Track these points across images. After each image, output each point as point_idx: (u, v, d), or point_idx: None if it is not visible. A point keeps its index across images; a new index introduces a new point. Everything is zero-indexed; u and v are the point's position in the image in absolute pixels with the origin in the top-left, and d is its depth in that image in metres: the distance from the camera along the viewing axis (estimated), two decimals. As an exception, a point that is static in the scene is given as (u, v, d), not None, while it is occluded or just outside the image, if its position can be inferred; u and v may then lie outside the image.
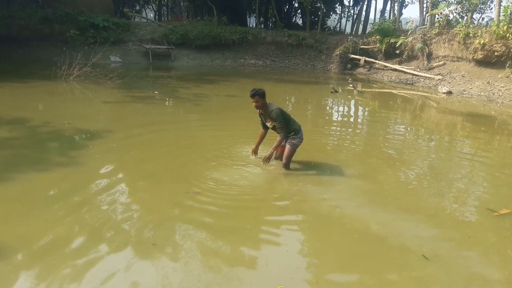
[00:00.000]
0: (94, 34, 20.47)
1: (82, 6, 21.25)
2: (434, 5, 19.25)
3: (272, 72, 20.27)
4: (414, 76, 18.02)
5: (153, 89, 13.58)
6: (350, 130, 8.82)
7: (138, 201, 4.31)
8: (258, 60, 23.30)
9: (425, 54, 18.42)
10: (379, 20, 24.77)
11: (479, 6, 18.85)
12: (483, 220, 4.21)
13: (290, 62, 23.42)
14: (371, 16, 31.79)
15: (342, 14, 33.12)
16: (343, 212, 4.21)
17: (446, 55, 17.78)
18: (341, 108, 12.05)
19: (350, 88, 14.62)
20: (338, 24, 33.19)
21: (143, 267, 3.09)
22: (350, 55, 21.93)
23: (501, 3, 16.03)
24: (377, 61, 20.93)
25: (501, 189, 5.29)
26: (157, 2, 34.31)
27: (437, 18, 18.81)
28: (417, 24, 21.47)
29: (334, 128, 8.86)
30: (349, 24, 33.30)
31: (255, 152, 5.53)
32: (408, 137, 8.28)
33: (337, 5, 32.01)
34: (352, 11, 33.12)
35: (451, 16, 18.41)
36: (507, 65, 14.54)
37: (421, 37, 18.72)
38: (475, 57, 16.00)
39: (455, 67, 17.13)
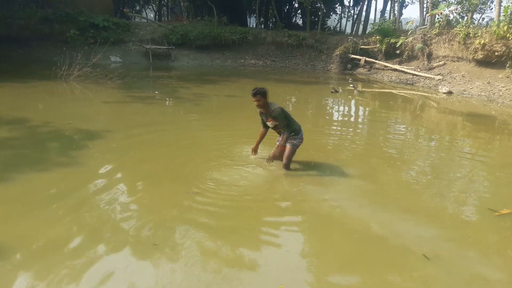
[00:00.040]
0: (94, 34, 20.48)
1: (82, 6, 21.26)
2: (434, 5, 19.26)
3: (272, 72, 20.27)
4: (414, 76, 18.02)
5: (153, 89, 13.57)
6: (350, 130, 8.80)
7: (138, 201, 4.30)
8: (258, 60, 23.30)
9: (425, 54, 18.42)
10: (379, 20, 24.77)
11: (479, 6, 18.86)
12: (484, 220, 4.20)
13: (290, 62, 23.42)
14: (371, 16, 31.90)
15: (342, 14, 33.13)
16: (344, 212, 4.21)
17: (446, 55, 17.78)
18: (341, 108, 12.04)
19: (350, 88, 14.62)
20: (338, 24, 33.20)
21: (142, 267, 3.08)
22: (350, 55, 21.93)
23: (501, 3, 16.03)
24: (377, 61, 20.93)
25: (502, 188, 5.28)
26: (157, 2, 34.34)
27: (437, 18, 18.81)
28: (417, 24, 21.48)
29: (335, 128, 8.84)
30: (349, 24, 33.31)
31: (255, 151, 5.52)
32: (408, 137, 8.27)
33: (337, 5, 32.04)
34: (352, 11, 33.15)
35: (451, 16, 18.42)
36: (507, 65, 14.53)
37: (421, 37, 18.73)
38: (475, 57, 16.00)
39: (455, 67, 17.13)
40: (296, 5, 31.35)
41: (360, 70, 21.42)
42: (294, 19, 32.95)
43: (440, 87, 15.60)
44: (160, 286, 2.85)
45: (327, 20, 31.91)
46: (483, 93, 14.24)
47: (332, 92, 13.62)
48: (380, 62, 20.73)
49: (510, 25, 14.32)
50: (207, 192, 4.48)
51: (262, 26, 30.28)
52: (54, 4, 20.67)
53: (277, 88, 14.54)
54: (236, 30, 23.49)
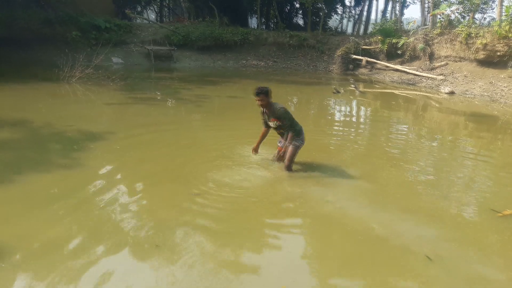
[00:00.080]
0: (96, 35, 20.50)
1: (83, 7, 21.28)
2: (436, 5, 19.23)
3: (274, 73, 20.27)
4: (416, 77, 17.98)
5: (155, 90, 13.57)
6: (352, 130, 8.79)
7: (139, 201, 4.30)
8: (260, 61, 23.29)
9: (427, 54, 18.38)
10: (381, 21, 24.78)
11: (481, 6, 18.82)
12: (486, 221, 4.18)
13: (292, 63, 23.41)
14: (373, 16, 31.78)
15: (344, 15, 33.09)
16: (345, 213, 4.20)
17: (448, 55, 17.74)
18: (343, 109, 12.03)
19: (352, 88, 14.61)
20: (340, 24, 33.16)
21: (142, 268, 3.08)
22: (352, 55, 21.90)
23: (503, 3, 15.98)
24: (379, 62, 20.90)
25: (505, 189, 5.27)
26: (158, 3, 34.36)
27: (439, 18, 18.78)
28: (419, 25, 21.45)
29: (336, 128, 8.84)
30: (351, 24, 33.31)
31: (255, 150, 5.48)
32: (410, 137, 8.26)
33: (338, 6, 31.99)
34: (353, 12, 33.10)
35: (453, 16, 18.39)
36: (510, 65, 14.51)
37: (423, 37, 18.69)
38: (477, 57, 15.96)
39: (457, 67, 17.09)
40: (298, 5, 31.30)
41: (362, 70, 21.39)
42: (295, 19, 32.91)
43: (442, 87, 15.56)
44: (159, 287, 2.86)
45: (329, 21, 31.88)
46: (485, 93, 14.21)
47: (334, 92, 13.61)
48: (381, 63, 20.70)
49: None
50: (208, 194, 4.48)
51: (264, 26, 30.27)
52: (55, 6, 20.66)
53: (279, 89, 14.53)
54: (238, 31, 23.49)
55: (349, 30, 32.79)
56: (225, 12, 25.49)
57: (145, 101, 10.95)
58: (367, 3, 29.36)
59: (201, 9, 30.00)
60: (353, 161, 6.13)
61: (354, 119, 10.57)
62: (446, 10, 18.17)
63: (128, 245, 3.37)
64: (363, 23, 29.37)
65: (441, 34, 18.05)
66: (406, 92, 15.55)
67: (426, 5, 20.93)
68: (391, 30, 21.04)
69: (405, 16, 32.21)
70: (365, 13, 29.72)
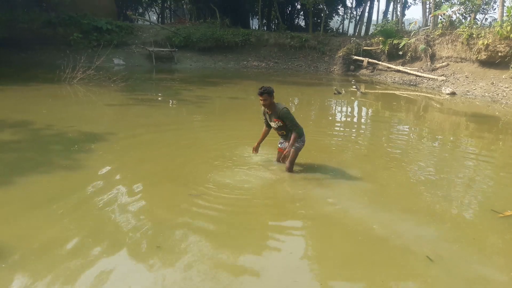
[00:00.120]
0: (98, 37, 20.56)
1: (85, 9, 21.34)
2: (437, 6, 19.23)
3: (275, 74, 20.29)
4: (417, 77, 17.97)
5: (156, 91, 13.61)
6: (353, 131, 8.80)
7: (139, 202, 4.29)
8: (261, 62, 23.31)
9: (428, 55, 18.37)
10: (382, 21, 24.79)
11: (482, 6, 18.83)
12: (487, 221, 4.17)
13: (293, 64, 23.43)
14: (374, 17, 31.80)
15: (345, 16, 33.17)
16: (346, 214, 4.19)
17: (449, 56, 17.73)
18: (344, 109, 12.02)
19: (353, 89, 14.61)
20: (341, 25, 33.20)
21: (140, 269, 3.07)
22: (353, 56, 21.91)
23: (505, 4, 15.98)
24: (380, 62, 20.90)
25: (506, 189, 5.25)
26: (160, 5, 34.43)
27: (440, 19, 18.78)
28: (420, 25, 21.44)
29: (338, 129, 8.84)
30: (352, 25, 33.35)
31: (256, 149, 5.47)
32: (411, 138, 8.25)
33: (339, 7, 32.08)
34: (354, 13, 33.19)
35: (454, 17, 18.40)
36: (511, 65, 14.47)
37: (424, 38, 18.69)
38: (478, 58, 15.95)
39: (458, 68, 17.08)
40: (299, 6, 31.37)
41: (363, 71, 21.39)
42: (296, 20, 32.98)
43: (443, 88, 15.55)
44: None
45: (330, 22, 31.93)
46: (486, 94, 14.19)
47: (335, 93, 13.60)
48: (383, 63, 20.70)
49: (513, 25, 14.28)
50: (208, 194, 4.47)
51: (265, 28, 30.34)
52: (57, 8, 20.73)
53: (280, 89, 14.53)
54: (239, 32, 23.53)
55: (350, 31, 32.82)
56: (226, 13, 25.54)
57: (146, 102, 10.98)
58: (368, 4, 29.37)
59: (202, 11, 30.09)
60: (354, 162, 6.12)
61: (355, 119, 10.57)
62: (447, 11, 18.18)
63: (128, 245, 3.37)
64: (364, 24, 29.38)
65: (442, 34, 18.04)
66: (407, 93, 15.54)
67: (427, 6, 20.92)
68: (392, 31, 21.05)
69: (406, 17, 32.21)
70: (366, 14, 29.73)
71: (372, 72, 20.89)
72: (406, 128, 9.45)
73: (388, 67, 20.19)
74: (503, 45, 14.82)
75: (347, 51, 22.04)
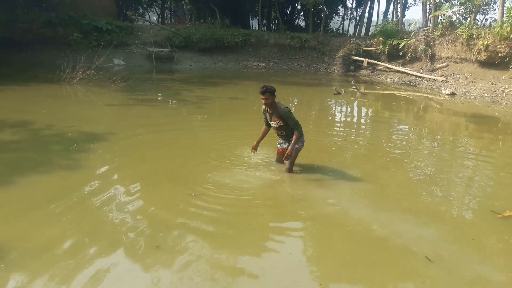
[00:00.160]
0: (98, 37, 20.56)
1: (85, 9, 21.34)
2: (437, 7, 19.24)
3: (275, 74, 20.30)
4: (417, 78, 17.98)
5: (156, 92, 13.61)
6: (353, 131, 8.80)
7: (139, 203, 4.28)
8: (261, 62, 23.32)
9: (428, 55, 18.37)
10: (382, 22, 24.80)
11: (482, 7, 18.83)
12: (486, 222, 4.17)
13: (293, 64, 23.44)
14: (374, 18, 31.77)
15: (345, 16, 33.17)
16: (346, 214, 4.20)
17: (449, 56, 17.73)
18: (344, 110, 12.03)
19: (353, 90, 14.61)
20: (341, 26, 33.21)
21: (139, 269, 3.07)
22: (353, 57, 21.92)
23: (505, 4, 15.98)
24: (380, 63, 20.91)
25: (505, 189, 5.26)
26: (160, 5, 34.44)
27: (440, 19, 18.78)
28: (420, 26, 21.44)
29: (337, 129, 8.85)
30: (352, 26, 33.36)
31: (255, 148, 5.45)
32: (411, 138, 8.26)
33: (339, 7, 32.08)
34: (354, 13, 33.20)
35: (454, 18, 18.39)
36: (511, 66, 14.48)
37: (424, 38, 18.69)
38: (478, 58, 15.95)
39: (458, 68, 17.08)
40: (299, 7, 31.39)
41: (363, 71, 21.40)
42: (296, 21, 32.99)
43: (443, 88, 15.56)
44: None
45: (330, 22, 31.95)
46: (486, 94, 14.20)
47: (335, 94, 13.61)
48: (383, 64, 20.70)
49: (513, 26, 14.28)
50: (208, 195, 4.47)
51: (265, 28, 30.35)
52: (57, 8, 20.74)
53: (280, 90, 14.44)
54: (239, 32, 23.54)
55: (350, 31, 32.82)
56: (226, 13, 25.55)
57: (146, 102, 10.98)
58: (368, 4, 29.37)
59: (202, 11, 30.10)
60: (354, 162, 6.13)
61: (355, 120, 10.58)
62: (447, 12, 18.17)
63: (128, 245, 3.37)
64: (364, 24, 29.37)
65: (442, 35, 18.05)
66: (407, 93, 15.55)
67: (427, 6, 20.93)
68: (392, 31, 21.05)
69: (406, 18, 32.15)
70: (366, 15, 29.72)
71: (372, 72, 20.89)
72: (406, 128, 9.45)
73: (388, 68, 20.19)
74: (503, 46, 14.83)
75: (347, 51, 22.05)
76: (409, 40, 19.50)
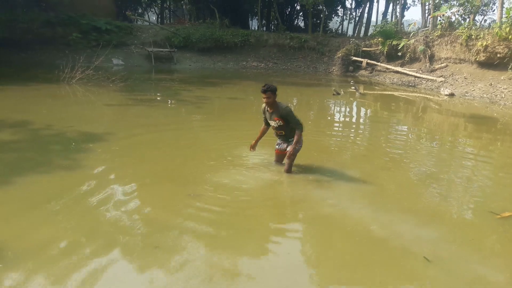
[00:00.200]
0: (97, 37, 20.54)
1: (84, 9, 21.33)
2: (436, 7, 19.26)
3: (274, 75, 20.31)
4: (416, 78, 18.00)
5: (155, 92, 13.61)
6: (352, 131, 8.82)
7: (138, 203, 4.28)
8: (260, 62, 23.33)
9: (427, 56, 18.40)
10: (381, 22, 24.81)
11: (482, 8, 18.85)
12: (485, 222, 4.18)
13: (292, 65, 23.45)
14: (373, 18, 31.80)
15: (344, 17, 33.18)
16: (345, 214, 4.20)
17: (448, 57, 17.76)
18: (343, 110, 12.04)
19: (352, 90, 14.63)
20: (340, 26, 33.22)
21: (137, 269, 3.07)
22: (352, 57, 21.94)
23: (504, 5, 16.00)
24: (379, 63, 20.94)
25: (504, 189, 5.27)
26: (159, 5, 34.43)
27: (439, 20, 18.80)
28: (419, 26, 21.46)
29: (336, 129, 8.86)
30: (351, 26, 33.36)
31: (253, 147, 5.43)
32: (410, 138, 8.27)
33: (339, 8, 32.09)
34: (354, 14, 33.20)
35: (453, 18, 18.41)
36: (510, 67, 14.51)
37: (423, 39, 18.71)
38: (477, 59, 15.98)
39: (457, 69, 17.11)
40: (298, 7, 31.41)
41: (362, 72, 21.42)
42: (296, 21, 32.99)
43: (442, 89, 15.58)
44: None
45: (329, 22, 31.97)
46: (485, 95, 14.22)
47: (334, 94, 13.62)
48: (382, 64, 20.73)
49: (512, 27, 14.31)
50: (207, 195, 4.48)
51: (264, 28, 30.34)
52: (56, 7, 20.72)
53: (279, 90, 14.45)
54: (238, 32, 23.55)
55: (350, 32, 32.85)
56: (226, 13, 25.56)
57: (145, 102, 10.98)
58: (367, 5, 29.39)
59: (202, 11, 30.10)
60: (353, 162, 6.14)
61: (354, 120, 10.59)
62: (446, 12, 18.20)
63: (127, 245, 3.37)
64: (364, 25, 29.39)
65: (441, 36, 18.07)
66: (406, 93, 15.57)
67: (426, 7, 20.95)
68: (392, 32, 21.07)
69: (405, 18, 32.13)
70: (365, 15, 29.75)
71: (371, 73, 20.92)
72: (405, 128, 9.47)
73: (387, 68, 20.22)
74: (501, 47, 14.86)
75: (346, 52, 22.08)
76: (408, 41, 19.52)
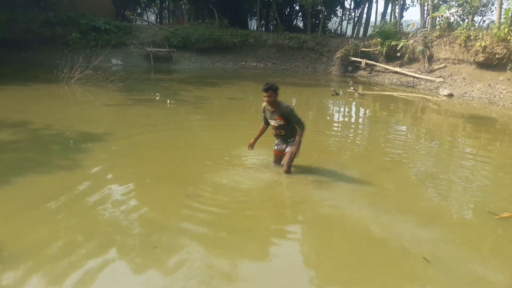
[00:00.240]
0: (96, 37, 20.53)
1: (83, 9, 21.31)
2: (435, 8, 19.28)
3: (273, 75, 20.30)
4: (415, 79, 18.02)
5: (154, 92, 13.60)
6: (351, 131, 8.83)
7: (137, 203, 4.28)
8: (259, 63, 23.33)
9: (426, 56, 18.42)
10: (380, 23, 24.81)
11: (480, 8, 18.88)
12: (484, 223, 4.19)
13: (291, 65, 23.46)
14: (372, 18, 31.82)
15: (343, 17, 33.17)
16: (344, 215, 4.21)
17: (447, 57, 17.78)
18: (342, 110, 12.05)
19: (351, 90, 14.64)
20: (339, 26, 33.23)
21: (136, 269, 3.07)
22: (351, 57, 21.96)
23: (502, 6, 16.03)
24: (378, 64, 20.96)
25: (503, 189, 5.28)
26: (158, 5, 34.41)
27: (438, 20, 18.82)
28: (418, 27, 21.48)
29: (335, 130, 8.86)
30: (350, 26, 33.36)
31: (252, 146, 5.39)
32: (409, 139, 8.28)
33: (338, 8, 32.11)
34: (353, 14, 33.20)
35: (452, 19, 18.42)
36: (508, 67, 14.53)
37: (422, 39, 18.73)
38: (476, 60, 16.00)
39: (456, 69, 17.13)
40: (297, 7, 31.40)
41: (361, 72, 21.44)
42: (295, 21, 33.01)
43: (441, 89, 15.60)
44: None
45: (328, 23, 31.99)
46: (484, 96, 14.25)
47: (333, 94, 13.63)
48: (381, 65, 20.75)
49: (511, 28, 14.31)
50: (206, 196, 4.48)
51: (263, 28, 30.34)
52: (55, 7, 20.70)
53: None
54: (237, 32, 23.54)
55: (349, 32, 32.87)
56: (225, 14, 25.56)
57: (144, 103, 10.98)
58: (366, 5, 29.40)
59: (201, 11, 30.10)
60: (353, 162, 6.14)
61: (353, 120, 10.60)
62: (445, 13, 18.21)
63: (125, 246, 3.37)
64: (363, 25, 29.40)
65: (440, 36, 18.09)
66: (405, 94, 15.59)
67: (425, 8, 20.97)
68: (391, 32, 21.09)
69: (404, 19, 32.17)
70: (364, 15, 29.79)
71: (370, 73, 20.93)
72: (404, 129, 9.48)
73: (386, 69, 20.24)
74: (500, 47, 14.88)
75: (345, 52, 22.09)
76: (407, 41, 19.54)
